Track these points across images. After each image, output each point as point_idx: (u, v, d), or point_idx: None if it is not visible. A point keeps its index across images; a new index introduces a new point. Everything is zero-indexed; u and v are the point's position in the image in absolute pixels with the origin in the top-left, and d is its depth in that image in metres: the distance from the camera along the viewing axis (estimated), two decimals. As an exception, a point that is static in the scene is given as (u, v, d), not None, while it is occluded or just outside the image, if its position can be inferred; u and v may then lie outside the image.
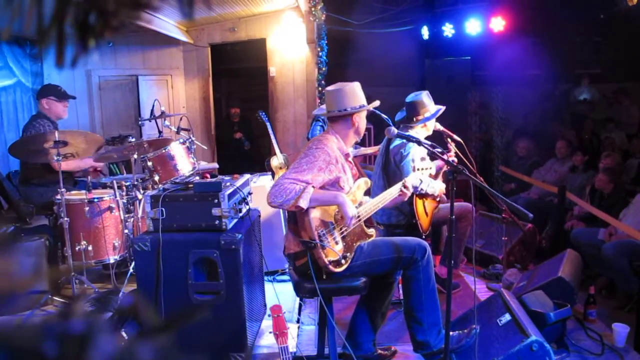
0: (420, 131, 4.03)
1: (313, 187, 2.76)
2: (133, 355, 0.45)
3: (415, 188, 3.28)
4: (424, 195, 3.89)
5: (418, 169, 3.26)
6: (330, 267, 2.80)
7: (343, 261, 2.86)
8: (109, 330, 0.46)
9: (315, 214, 2.81)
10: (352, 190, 3.01)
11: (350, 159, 3.12)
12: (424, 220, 3.92)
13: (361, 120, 3.09)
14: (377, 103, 3.18)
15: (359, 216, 2.95)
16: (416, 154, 3.82)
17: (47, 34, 0.47)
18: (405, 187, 3.14)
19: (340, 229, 2.90)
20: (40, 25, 0.47)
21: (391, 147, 4.02)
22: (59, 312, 0.47)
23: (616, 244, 4.30)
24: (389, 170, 4.04)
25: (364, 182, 3.14)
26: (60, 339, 0.45)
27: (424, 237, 3.87)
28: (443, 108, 4.10)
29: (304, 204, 2.69)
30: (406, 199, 3.22)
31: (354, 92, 3.04)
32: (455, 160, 3.96)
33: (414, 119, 4.03)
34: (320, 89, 7.44)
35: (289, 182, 2.73)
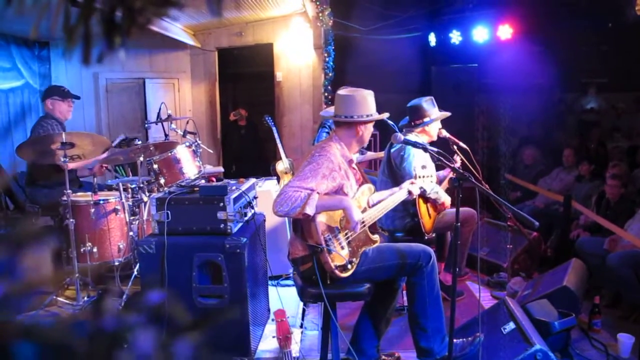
0: (419, 136, 4.04)
1: (318, 193, 2.75)
2: (170, 354, 0.45)
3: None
4: (426, 198, 3.90)
5: (419, 177, 3.26)
6: (337, 272, 2.79)
7: (349, 266, 2.86)
8: (143, 329, 0.46)
9: (320, 219, 2.81)
10: (356, 196, 3.01)
11: (354, 165, 3.12)
12: (426, 221, 3.92)
13: (366, 130, 3.06)
14: (386, 115, 3.16)
15: (363, 221, 2.95)
16: (416, 156, 3.83)
17: (74, 32, 0.47)
18: (410, 193, 3.18)
19: (346, 234, 2.90)
20: (67, 23, 0.47)
21: (392, 151, 4.04)
22: (92, 309, 0.47)
23: (621, 254, 4.28)
24: (393, 174, 4.04)
25: (368, 189, 3.14)
26: (93, 336, 0.45)
27: (426, 237, 3.88)
28: (446, 114, 4.11)
29: (310, 210, 2.68)
30: (413, 197, 3.27)
31: (364, 101, 3.01)
32: (461, 168, 3.96)
33: (413, 123, 4.06)
34: (326, 94, 7.45)
35: (293, 190, 2.71)
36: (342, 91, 3.07)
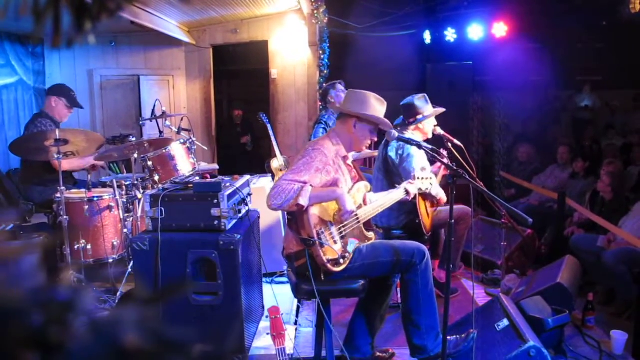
0: (415, 134, 4.04)
1: (311, 186, 2.76)
2: (116, 321, 0.45)
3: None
4: (425, 196, 3.89)
5: (418, 179, 3.26)
6: (329, 265, 2.79)
7: (342, 260, 2.85)
8: (92, 298, 0.46)
9: (314, 212, 2.81)
10: (351, 193, 3.00)
11: (349, 162, 3.11)
12: (426, 221, 3.92)
13: (361, 131, 3.04)
14: (384, 120, 3.11)
15: (357, 216, 2.95)
16: (416, 155, 3.82)
17: (43, 15, 0.46)
18: (407, 193, 3.17)
19: (339, 228, 2.90)
20: (36, 6, 0.46)
21: (389, 149, 4.03)
22: (45, 281, 0.47)
23: (616, 251, 4.29)
24: (389, 173, 4.04)
25: (364, 186, 3.13)
26: (46, 306, 0.45)
27: (426, 237, 3.87)
28: (440, 110, 4.10)
29: (304, 201, 2.69)
30: (410, 199, 3.25)
31: (365, 100, 3.03)
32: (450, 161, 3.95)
33: (407, 122, 4.05)
34: (321, 91, 7.45)
35: (287, 183, 2.72)
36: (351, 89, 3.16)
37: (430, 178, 3.31)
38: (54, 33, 0.47)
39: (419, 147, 3.13)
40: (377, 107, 3.05)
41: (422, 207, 3.91)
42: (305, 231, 2.79)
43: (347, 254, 2.89)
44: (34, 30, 0.46)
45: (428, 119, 4.03)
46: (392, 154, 3.99)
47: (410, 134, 4.02)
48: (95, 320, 0.44)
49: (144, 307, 0.46)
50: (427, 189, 3.35)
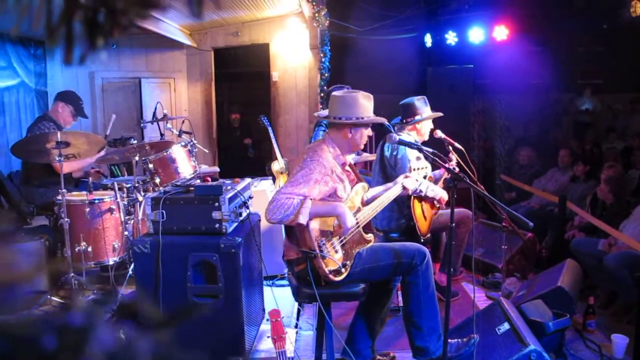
0: (411, 134, 4.05)
1: (311, 199, 2.71)
2: (132, 349, 0.45)
3: (414, 190, 3.29)
4: (422, 199, 3.88)
5: (414, 169, 3.24)
6: (331, 276, 2.77)
7: (343, 270, 2.84)
8: (108, 325, 0.46)
9: (314, 226, 2.78)
10: (350, 196, 2.99)
11: (347, 167, 3.09)
12: (422, 224, 3.91)
13: (357, 133, 2.97)
14: (379, 119, 3.08)
15: (357, 222, 2.94)
16: (411, 153, 3.82)
17: (56, 32, 0.47)
18: (404, 187, 3.15)
19: (339, 237, 2.88)
20: (49, 23, 0.47)
21: (385, 148, 4.05)
22: (59, 305, 0.48)
23: (617, 254, 4.29)
24: (387, 174, 4.04)
25: (362, 188, 3.12)
26: (60, 331, 0.45)
27: (422, 240, 3.87)
28: (438, 114, 4.11)
29: (303, 219, 2.65)
30: (407, 193, 3.24)
31: (354, 103, 2.94)
32: (457, 168, 3.95)
33: (404, 120, 4.07)
34: (322, 94, 7.46)
35: (285, 197, 2.67)
36: (337, 92, 3.04)
37: (426, 168, 3.30)
38: (66, 50, 0.48)
39: (420, 150, 3.13)
40: (366, 105, 2.97)
41: (418, 209, 3.91)
42: (305, 244, 2.76)
43: (347, 262, 2.88)
44: (48, 46, 0.46)
45: (425, 120, 4.05)
46: (387, 153, 4.03)
47: (406, 134, 4.03)
48: (108, 349, 0.44)
49: (155, 332, 0.46)
50: (425, 191, 3.34)
